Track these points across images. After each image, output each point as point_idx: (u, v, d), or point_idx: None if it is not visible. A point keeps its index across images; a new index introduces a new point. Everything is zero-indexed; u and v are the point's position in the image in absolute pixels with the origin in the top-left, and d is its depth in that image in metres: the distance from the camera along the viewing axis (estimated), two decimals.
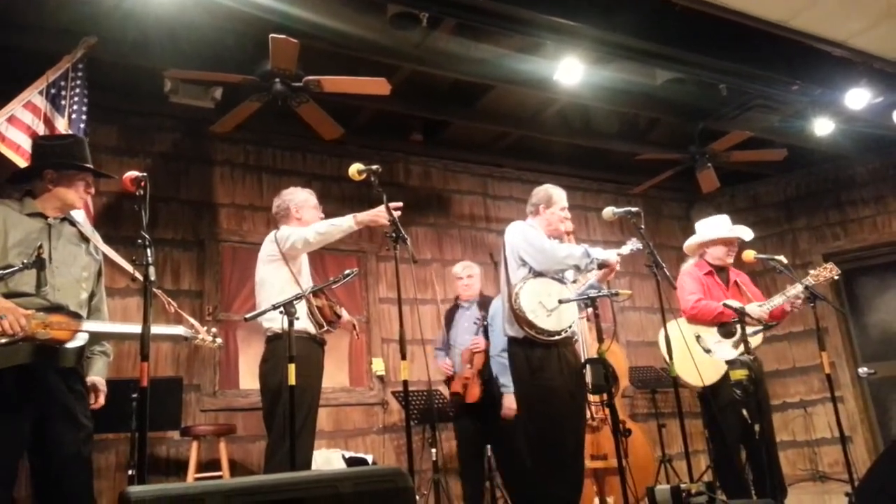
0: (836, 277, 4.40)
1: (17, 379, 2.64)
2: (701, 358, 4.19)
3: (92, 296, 3.03)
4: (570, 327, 3.80)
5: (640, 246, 3.95)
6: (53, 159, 2.95)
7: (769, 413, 4.34)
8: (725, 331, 4.27)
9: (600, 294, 3.66)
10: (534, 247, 3.84)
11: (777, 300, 4.31)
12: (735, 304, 4.13)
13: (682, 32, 4.92)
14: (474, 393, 4.77)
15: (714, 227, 4.56)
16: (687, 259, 4.69)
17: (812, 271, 4.40)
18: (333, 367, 6.00)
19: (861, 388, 7.19)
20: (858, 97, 5.54)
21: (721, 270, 4.50)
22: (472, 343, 4.85)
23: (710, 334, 4.32)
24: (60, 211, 2.95)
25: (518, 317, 3.72)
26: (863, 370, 6.21)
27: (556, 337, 3.73)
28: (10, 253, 2.71)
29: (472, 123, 6.41)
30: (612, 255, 3.84)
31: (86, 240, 3.03)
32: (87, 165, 3.01)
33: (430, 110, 6.13)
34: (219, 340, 3.27)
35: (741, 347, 3.84)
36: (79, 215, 3.36)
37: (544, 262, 3.82)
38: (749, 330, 3.95)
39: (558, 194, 4.09)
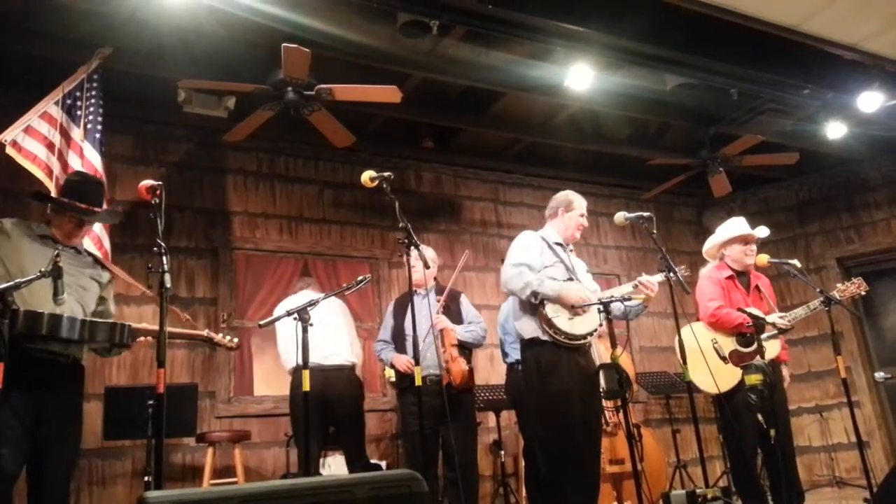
0: (864, 293, 4.35)
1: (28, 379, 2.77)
2: (717, 364, 4.17)
3: (100, 313, 3.18)
4: (590, 334, 3.79)
5: (661, 278, 3.88)
6: (62, 193, 3.14)
7: (786, 418, 4.29)
8: (745, 340, 4.23)
9: (613, 299, 3.65)
10: (508, 258, 3.90)
11: (800, 312, 4.27)
12: (755, 312, 4.09)
13: (692, 37, 4.92)
14: (458, 371, 4.33)
15: (730, 226, 4.55)
16: (706, 264, 4.66)
17: (839, 286, 4.36)
18: None
19: (878, 392, 7.13)
20: (871, 100, 5.51)
21: (742, 274, 4.47)
22: (434, 321, 4.44)
23: (728, 341, 4.28)
24: (63, 239, 3.10)
25: (540, 315, 3.73)
26: (879, 374, 6.15)
27: (576, 342, 3.74)
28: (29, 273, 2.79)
29: (482, 130, 6.43)
30: (562, 289, 3.74)
31: (93, 262, 3.22)
32: (71, 203, 3.09)
33: (441, 117, 6.15)
34: (236, 339, 3.34)
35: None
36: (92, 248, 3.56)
37: (502, 276, 3.87)
38: (763, 335, 3.94)
39: (579, 201, 4.11)
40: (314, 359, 4.15)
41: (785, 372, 4.42)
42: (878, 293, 7.35)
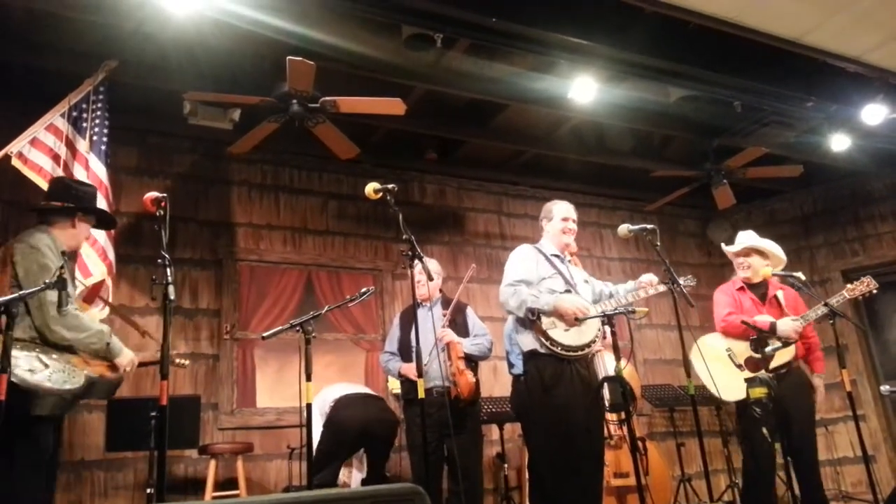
0: (875, 291, 4.36)
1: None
2: (733, 372, 4.18)
3: None
4: (589, 345, 3.78)
5: (662, 288, 3.92)
6: (84, 203, 3.26)
7: (807, 427, 4.26)
8: (756, 346, 4.24)
9: (616, 311, 3.63)
10: (504, 277, 3.91)
11: (810, 314, 4.29)
12: (765, 318, 4.11)
13: (696, 50, 4.94)
14: (466, 384, 4.30)
15: (736, 240, 4.63)
16: (710, 277, 4.71)
17: (849, 285, 4.38)
18: None
19: (883, 406, 7.08)
20: (875, 112, 5.51)
21: (755, 286, 4.51)
22: (440, 335, 4.41)
23: (742, 348, 4.29)
24: (71, 248, 3.24)
25: (536, 327, 3.72)
26: (885, 388, 6.11)
27: (574, 353, 3.72)
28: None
29: (486, 142, 6.45)
30: (552, 301, 3.75)
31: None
32: (108, 212, 3.47)
33: (445, 129, 6.17)
34: (186, 362, 3.73)
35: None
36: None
37: (500, 297, 3.90)
38: (768, 347, 3.93)
39: (558, 207, 4.12)
40: (357, 391, 4.98)
41: (818, 382, 4.43)
42: (884, 306, 7.32)
